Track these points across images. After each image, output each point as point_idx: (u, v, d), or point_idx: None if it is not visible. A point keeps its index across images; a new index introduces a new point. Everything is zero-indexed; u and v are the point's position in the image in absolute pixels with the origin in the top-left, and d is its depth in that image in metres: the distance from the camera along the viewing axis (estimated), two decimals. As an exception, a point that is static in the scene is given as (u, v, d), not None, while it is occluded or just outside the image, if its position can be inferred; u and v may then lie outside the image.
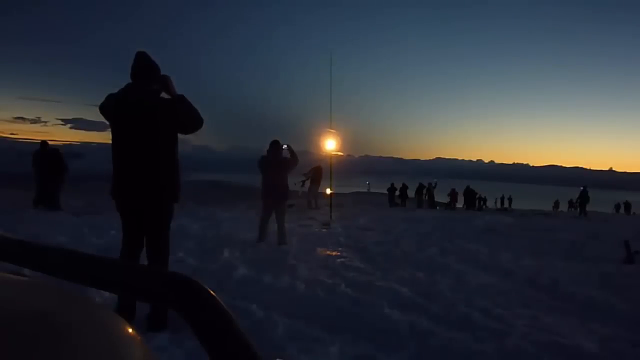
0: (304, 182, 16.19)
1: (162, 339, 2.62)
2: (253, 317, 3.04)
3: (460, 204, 26.93)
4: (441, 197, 28.25)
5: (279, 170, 6.43)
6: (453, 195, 26.79)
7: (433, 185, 26.21)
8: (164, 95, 2.94)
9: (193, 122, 2.95)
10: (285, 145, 6.55)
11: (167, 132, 2.90)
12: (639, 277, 5.64)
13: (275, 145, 6.52)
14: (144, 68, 2.89)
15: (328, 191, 14.43)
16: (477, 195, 27.79)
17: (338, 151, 13.10)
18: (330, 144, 11.52)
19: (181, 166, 3.04)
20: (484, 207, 30.45)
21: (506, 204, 37.16)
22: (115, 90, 2.94)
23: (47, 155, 10.11)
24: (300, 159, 6.64)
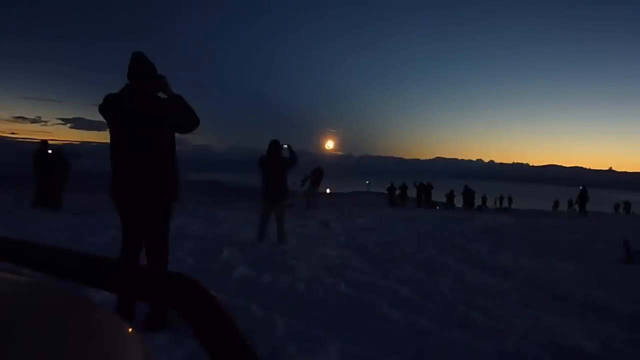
0: (304, 182, 16.17)
1: (162, 339, 2.61)
2: (253, 317, 3.04)
3: (459, 204, 26.94)
4: (440, 198, 28.26)
5: (279, 170, 6.42)
6: (450, 196, 26.85)
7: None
8: (161, 95, 2.95)
9: (189, 121, 2.96)
10: (285, 145, 6.55)
11: (165, 131, 2.91)
12: (639, 277, 5.64)
13: (275, 145, 6.51)
14: (141, 68, 2.90)
15: (328, 191, 14.42)
16: (475, 194, 27.77)
17: (338, 151, 13.13)
18: (329, 144, 11.53)
19: (179, 166, 3.04)
20: (483, 207, 30.44)
21: (506, 204, 37.10)
22: (115, 91, 2.95)
23: (48, 155, 10.13)
24: (300, 158, 6.64)
